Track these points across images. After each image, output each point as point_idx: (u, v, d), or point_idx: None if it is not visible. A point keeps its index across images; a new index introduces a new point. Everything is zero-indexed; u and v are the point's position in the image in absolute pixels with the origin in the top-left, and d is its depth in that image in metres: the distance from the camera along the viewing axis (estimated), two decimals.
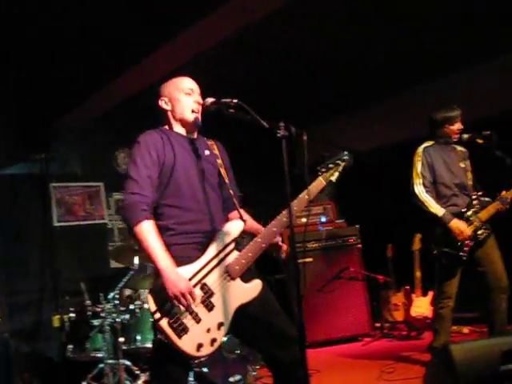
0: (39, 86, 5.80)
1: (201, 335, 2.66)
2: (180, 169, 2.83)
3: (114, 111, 6.42)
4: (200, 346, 2.64)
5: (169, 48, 5.08)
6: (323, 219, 7.19)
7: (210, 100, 2.86)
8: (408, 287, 6.76)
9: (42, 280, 6.52)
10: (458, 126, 4.80)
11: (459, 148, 4.97)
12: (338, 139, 7.10)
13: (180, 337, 2.61)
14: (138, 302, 5.25)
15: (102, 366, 5.09)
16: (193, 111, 2.95)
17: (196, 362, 4.07)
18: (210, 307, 2.71)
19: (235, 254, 2.82)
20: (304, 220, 6.99)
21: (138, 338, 5.10)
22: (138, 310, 5.20)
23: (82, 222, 6.81)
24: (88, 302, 5.37)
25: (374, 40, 5.81)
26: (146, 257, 2.70)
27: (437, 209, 4.69)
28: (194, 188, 2.85)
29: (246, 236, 2.92)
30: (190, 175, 2.86)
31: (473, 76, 6.66)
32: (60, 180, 6.88)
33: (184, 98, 2.96)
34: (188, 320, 2.64)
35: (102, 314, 5.15)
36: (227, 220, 3.00)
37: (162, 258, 2.64)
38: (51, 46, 5.16)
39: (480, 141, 4.66)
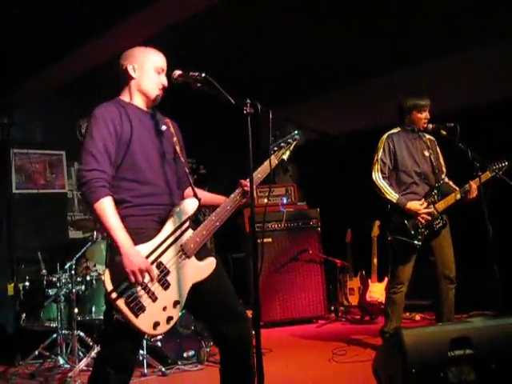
0: (1, 52, 5.66)
1: (157, 313, 2.65)
2: (137, 143, 2.78)
3: (79, 80, 6.29)
4: (156, 324, 2.64)
5: (134, 20, 4.98)
6: (285, 201, 7.22)
7: (177, 72, 2.82)
8: (364, 272, 6.86)
9: None
10: (425, 114, 4.85)
11: (427, 136, 5.02)
12: (308, 121, 7.12)
13: (137, 316, 2.58)
14: (94, 273, 5.23)
15: (55, 336, 5.07)
16: (158, 93, 2.91)
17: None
18: (165, 286, 2.69)
19: (190, 232, 2.81)
20: (265, 201, 7.04)
21: (93, 309, 5.09)
22: (94, 282, 5.19)
23: (41, 191, 6.69)
24: (44, 272, 5.34)
25: (345, 26, 5.82)
26: (105, 233, 2.66)
27: (391, 195, 4.75)
28: (150, 162, 2.82)
29: (208, 211, 2.92)
30: (146, 149, 2.82)
31: (443, 67, 6.72)
32: (21, 147, 6.75)
33: (154, 75, 2.90)
34: (145, 299, 2.61)
35: (58, 284, 5.13)
36: (182, 196, 3.00)
37: (122, 236, 2.60)
38: (14, 12, 5.02)
39: (444, 132, 4.71)
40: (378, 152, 4.90)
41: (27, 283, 5.37)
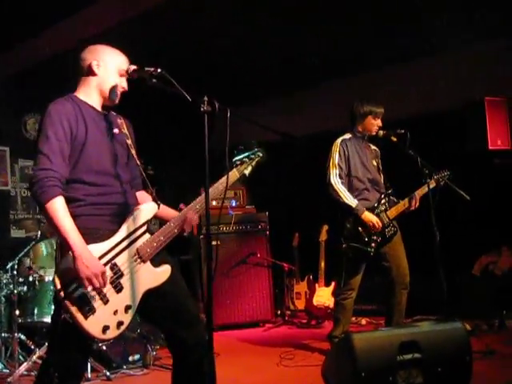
0: None
1: (107, 317, 2.56)
2: (91, 144, 2.70)
3: (25, 74, 6.12)
4: (106, 328, 2.55)
5: (89, 12, 4.88)
6: (233, 203, 7.18)
7: (132, 67, 2.76)
8: (311, 276, 6.88)
9: None
10: (378, 122, 4.91)
11: (372, 147, 5.12)
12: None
13: (86, 317, 2.49)
14: (36, 274, 5.07)
15: None
16: (116, 95, 2.83)
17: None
18: (118, 288, 2.61)
19: (147, 236, 2.74)
20: (214, 203, 6.97)
21: (35, 311, 4.94)
22: (36, 282, 5.03)
23: None
24: None
25: (299, 30, 5.82)
26: (56, 234, 2.56)
27: (350, 200, 4.78)
28: (104, 164, 2.74)
29: (154, 221, 2.86)
30: (100, 151, 2.74)
31: (394, 76, 6.81)
32: None
33: (116, 77, 2.82)
34: (95, 300, 2.53)
35: None
36: (136, 198, 2.92)
37: (74, 237, 2.51)
38: None
39: (394, 138, 4.77)
40: (333, 156, 4.91)
41: None
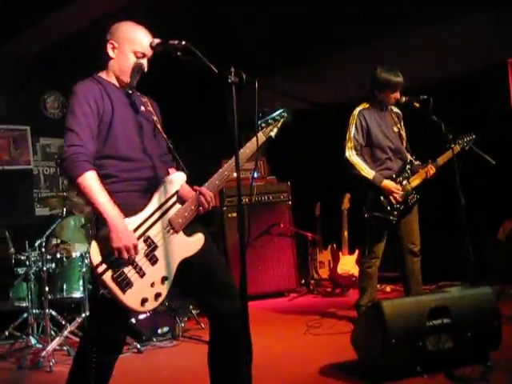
0: None
1: (145, 289, 2.58)
2: (118, 120, 2.72)
3: (44, 53, 6.11)
4: (144, 300, 2.57)
5: None
6: (255, 175, 7.18)
7: (156, 41, 2.73)
8: (335, 245, 6.89)
9: None
10: (396, 95, 4.82)
11: (394, 109, 5.03)
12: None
13: (124, 291, 2.51)
14: (64, 251, 5.13)
15: (25, 315, 4.96)
16: (133, 77, 2.81)
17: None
18: (153, 261, 2.62)
19: (178, 206, 2.75)
20: (235, 174, 6.97)
21: (65, 287, 5.01)
22: (64, 259, 5.09)
23: (6, 167, 6.50)
24: (12, 250, 5.21)
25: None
26: (91, 207, 2.59)
27: (367, 171, 4.75)
28: (132, 139, 2.76)
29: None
30: (128, 127, 2.76)
31: (414, 40, 6.70)
32: None
33: (131, 58, 2.79)
34: (132, 274, 2.55)
35: (27, 263, 5.01)
36: (168, 172, 2.92)
37: (109, 208, 2.53)
38: None
39: (417, 104, 4.70)
40: (349, 129, 4.86)
41: None
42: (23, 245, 5.20)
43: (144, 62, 2.82)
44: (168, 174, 2.90)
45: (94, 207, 2.55)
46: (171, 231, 2.70)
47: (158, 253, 2.65)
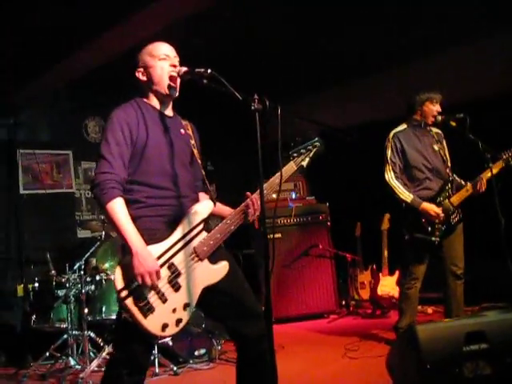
0: (7, 49, 5.63)
1: (166, 315, 2.62)
2: (152, 145, 2.76)
3: (85, 78, 6.26)
4: (165, 326, 2.60)
5: (140, 16, 4.94)
6: (293, 196, 7.18)
7: (183, 69, 2.78)
8: (375, 266, 6.81)
9: (8, 248, 6.41)
10: (437, 107, 4.80)
11: (434, 130, 4.98)
12: (313, 116, 7.05)
13: (146, 316, 2.56)
14: (103, 273, 5.20)
15: (65, 336, 5.05)
16: (171, 77, 2.84)
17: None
18: (176, 287, 2.66)
19: (204, 234, 2.78)
20: (274, 196, 6.98)
21: (103, 309, 5.07)
22: (103, 281, 5.16)
23: (49, 191, 6.66)
24: (53, 272, 5.33)
25: (351, 19, 5.75)
26: (117, 234, 2.64)
27: (405, 194, 4.71)
28: (164, 166, 2.80)
29: (212, 218, 2.88)
30: (161, 152, 2.80)
31: (449, 60, 6.64)
32: (28, 147, 6.72)
33: (159, 63, 2.85)
34: (154, 299, 2.59)
35: (67, 285, 5.11)
36: (198, 199, 2.95)
37: (133, 235, 2.59)
38: (19, 7, 5.00)
39: (453, 123, 4.64)
40: (386, 152, 4.87)
41: (36, 284, 5.37)
42: (64, 267, 5.29)
43: (173, 59, 2.87)
44: (198, 199, 2.94)
45: (120, 234, 2.60)
46: (196, 259, 2.74)
47: (181, 280, 2.68)
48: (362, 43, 6.34)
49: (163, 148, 2.81)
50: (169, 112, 2.94)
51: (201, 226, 2.78)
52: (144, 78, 2.88)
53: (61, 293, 5.17)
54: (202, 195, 3.04)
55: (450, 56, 6.60)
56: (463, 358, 3.32)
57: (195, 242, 2.75)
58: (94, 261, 5.35)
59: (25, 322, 5.44)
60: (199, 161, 2.98)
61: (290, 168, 2.96)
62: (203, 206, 2.84)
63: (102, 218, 5.40)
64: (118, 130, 2.70)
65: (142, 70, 2.88)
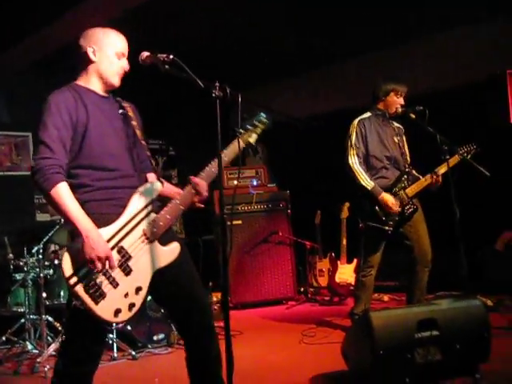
0: None
1: (118, 300, 2.58)
2: (94, 129, 2.71)
3: (48, 58, 6.15)
4: (118, 311, 2.57)
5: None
6: (255, 182, 7.22)
7: (145, 54, 2.75)
8: (333, 254, 6.90)
9: None
10: (401, 100, 4.89)
11: (396, 124, 5.08)
12: (276, 104, 7.09)
13: (97, 303, 2.52)
14: (61, 258, 5.16)
15: (23, 321, 5.01)
16: (117, 78, 2.84)
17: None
18: (127, 271, 2.63)
19: (153, 216, 2.75)
20: (235, 182, 7.04)
21: (62, 293, 5.06)
22: None
23: (7, 173, 6.55)
24: (11, 256, 5.26)
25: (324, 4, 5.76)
26: (65, 219, 2.59)
27: (367, 181, 4.78)
28: (108, 148, 2.74)
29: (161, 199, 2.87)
30: (104, 135, 2.75)
31: (410, 51, 6.74)
32: None
33: (115, 59, 2.82)
34: (105, 285, 2.55)
35: (25, 268, 5.06)
36: (145, 180, 2.92)
37: (83, 219, 2.53)
38: None
39: (413, 115, 4.71)
40: (350, 137, 4.91)
41: None
42: (22, 250, 5.23)
43: (125, 62, 2.86)
44: (146, 180, 2.91)
45: (68, 218, 2.54)
46: (146, 241, 2.70)
47: (132, 263, 2.65)
48: (333, 30, 6.35)
49: (105, 129, 2.76)
50: (104, 93, 2.87)
51: (150, 207, 2.74)
52: (94, 59, 2.80)
53: (19, 277, 5.13)
54: (150, 175, 2.98)
55: (413, 47, 6.70)
56: (415, 344, 3.42)
57: (144, 224, 2.71)
58: (52, 245, 5.30)
59: None
60: (143, 142, 2.91)
61: (237, 145, 2.88)
62: (151, 187, 2.78)
63: None
64: (55, 113, 2.62)
65: (95, 48, 2.80)
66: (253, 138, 2.99)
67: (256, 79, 7.38)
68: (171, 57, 2.63)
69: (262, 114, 3.03)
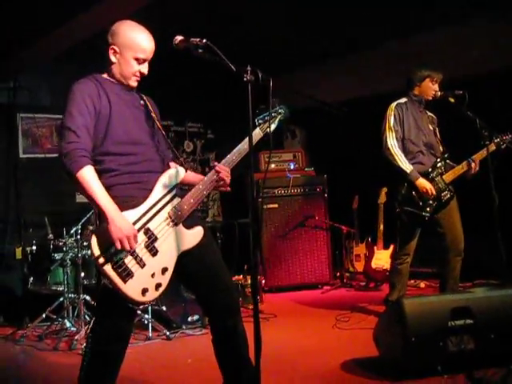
0: (8, 12, 5.59)
1: (145, 280, 2.64)
2: (116, 116, 2.77)
3: (87, 43, 6.21)
4: (145, 290, 2.63)
5: None
6: (292, 166, 7.21)
7: (178, 38, 2.76)
8: (370, 239, 6.87)
9: (7, 211, 6.45)
10: (436, 87, 4.83)
11: (429, 113, 5.03)
12: (312, 89, 7.03)
13: (125, 281, 2.58)
14: None
15: (61, 299, 5.13)
16: (136, 80, 2.89)
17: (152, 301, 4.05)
18: (153, 252, 2.69)
19: (177, 200, 2.82)
20: (272, 166, 7.05)
21: None
22: None
23: (48, 155, 6.67)
24: (51, 236, 5.40)
25: None
26: (91, 202, 2.64)
27: (406, 165, 4.73)
28: (132, 133, 2.80)
29: (186, 187, 2.93)
30: (127, 121, 2.81)
31: (449, 35, 6.58)
32: (28, 111, 6.71)
33: (134, 64, 2.84)
34: (132, 264, 2.61)
35: (64, 248, 5.18)
36: (168, 166, 2.98)
37: (107, 202, 2.59)
38: None
39: (452, 99, 4.64)
40: (388, 120, 4.87)
41: (34, 247, 5.46)
42: (62, 231, 5.35)
43: (144, 67, 2.88)
44: (169, 166, 2.96)
45: (93, 201, 2.60)
46: (171, 224, 2.76)
47: (158, 244, 2.71)
48: (353, 20, 6.26)
49: (128, 116, 2.82)
50: (126, 87, 2.91)
51: (174, 191, 2.82)
52: (114, 60, 2.85)
53: (58, 256, 5.25)
54: (172, 164, 3.05)
55: (451, 33, 6.55)
56: (448, 332, 3.40)
57: (169, 208, 2.78)
58: (90, 226, 5.40)
59: (23, 284, 5.53)
60: (163, 132, 2.99)
61: (256, 135, 2.97)
62: (175, 172, 2.86)
63: None
64: (80, 102, 2.68)
65: (116, 49, 2.84)
66: (271, 128, 3.02)
67: (289, 65, 7.31)
68: (204, 41, 2.64)
69: (280, 105, 3.10)
